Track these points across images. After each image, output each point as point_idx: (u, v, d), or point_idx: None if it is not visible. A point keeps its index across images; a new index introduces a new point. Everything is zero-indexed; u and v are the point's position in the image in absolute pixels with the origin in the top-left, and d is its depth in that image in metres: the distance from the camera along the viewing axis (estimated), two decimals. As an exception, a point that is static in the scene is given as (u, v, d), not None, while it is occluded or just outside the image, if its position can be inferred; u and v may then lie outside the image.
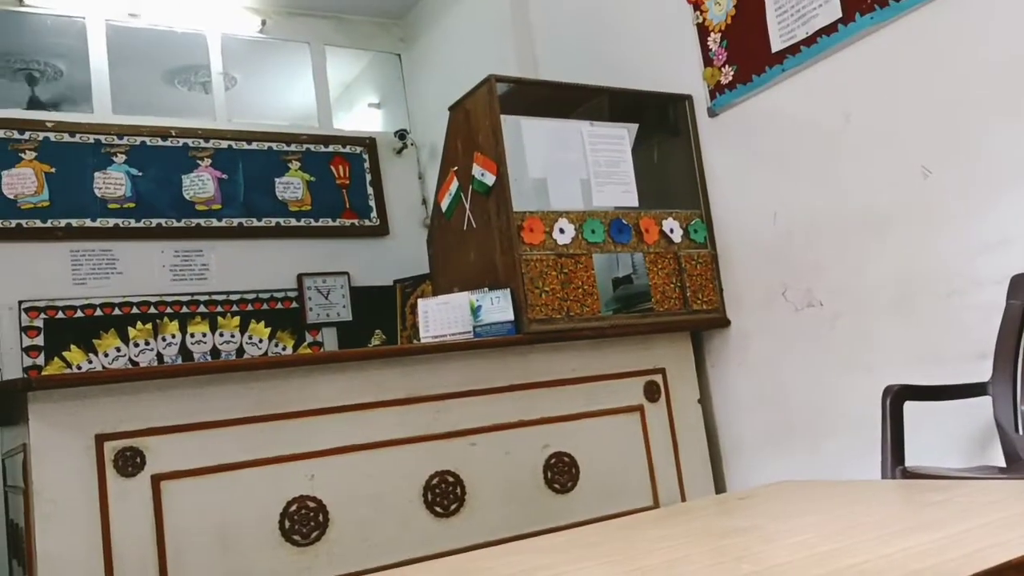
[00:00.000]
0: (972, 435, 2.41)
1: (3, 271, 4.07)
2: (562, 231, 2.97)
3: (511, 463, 2.82)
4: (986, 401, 2.26)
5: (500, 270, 2.94)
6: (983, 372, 2.28)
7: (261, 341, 4.56)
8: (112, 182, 4.39)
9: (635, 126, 3.37)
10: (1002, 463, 2.21)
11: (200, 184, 4.61)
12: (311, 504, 2.49)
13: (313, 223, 4.87)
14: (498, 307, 2.83)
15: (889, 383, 2.22)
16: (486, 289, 2.90)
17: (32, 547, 2.19)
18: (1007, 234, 2.33)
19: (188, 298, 4.44)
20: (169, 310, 4.38)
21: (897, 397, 2.18)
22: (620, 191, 3.15)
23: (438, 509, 2.68)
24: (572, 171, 3.10)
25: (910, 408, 2.19)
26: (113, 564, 2.23)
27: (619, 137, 3.23)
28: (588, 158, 3.12)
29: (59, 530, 2.19)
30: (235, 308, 4.54)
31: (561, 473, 2.90)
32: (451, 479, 2.71)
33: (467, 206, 3.10)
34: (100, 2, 4.52)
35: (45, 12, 4.46)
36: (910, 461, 2.14)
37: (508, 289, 2.86)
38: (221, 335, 4.47)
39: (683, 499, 3.09)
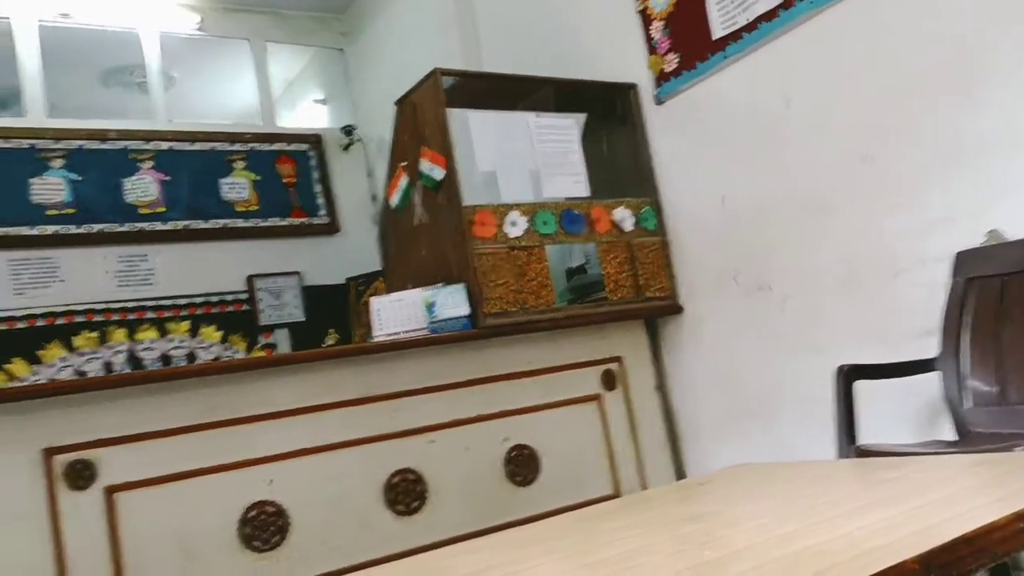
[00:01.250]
0: (922, 411, 2.47)
1: (-62, 284, 3.95)
2: (514, 224, 2.96)
3: (472, 458, 2.82)
4: (935, 377, 2.31)
5: (453, 265, 2.92)
6: (930, 349, 2.34)
7: (212, 345, 4.48)
8: (50, 188, 4.27)
9: (583, 116, 3.38)
10: (952, 437, 2.27)
11: (142, 187, 4.50)
12: (270, 509, 2.46)
13: (261, 223, 4.80)
14: (453, 302, 2.81)
15: (840, 363, 2.26)
16: (440, 284, 2.88)
17: (-19, 568, 2.13)
18: (950, 212, 2.38)
19: (135, 304, 4.34)
20: (115, 317, 4.28)
21: (848, 376, 2.22)
22: (570, 182, 3.15)
23: (400, 508, 2.66)
24: (521, 163, 3.09)
25: (861, 386, 2.23)
26: (68, 581, 2.17)
27: (567, 127, 3.23)
28: (536, 149, 3.11)
29: (9, 548, 2.12)
30: (184, 313, 4.45)
31: (522, 466, 2.90)
32: (412, 477, 2.69)
33: (417, 201, 3.08)
34: (29, 2, 4.37)
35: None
36: (863, 439, 2.18)
37: (462, 284, 2.84)
38: (171, 341, 4.38)
39: (644, 486, 3.11)
